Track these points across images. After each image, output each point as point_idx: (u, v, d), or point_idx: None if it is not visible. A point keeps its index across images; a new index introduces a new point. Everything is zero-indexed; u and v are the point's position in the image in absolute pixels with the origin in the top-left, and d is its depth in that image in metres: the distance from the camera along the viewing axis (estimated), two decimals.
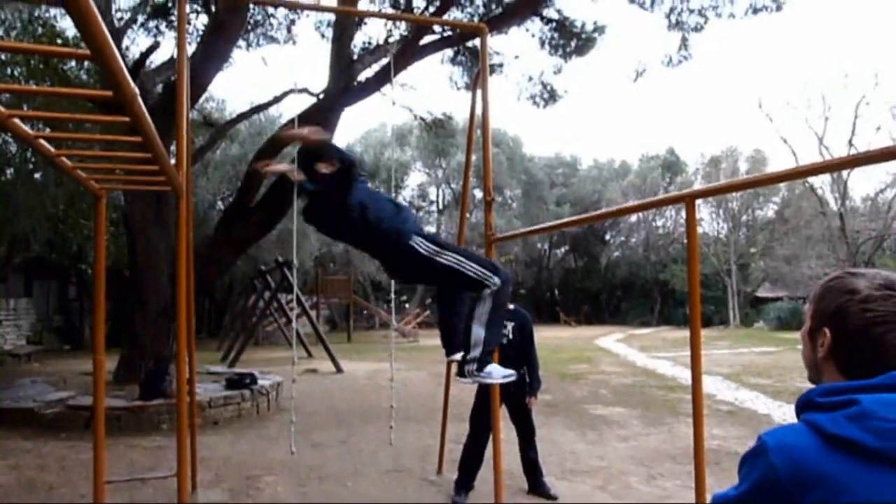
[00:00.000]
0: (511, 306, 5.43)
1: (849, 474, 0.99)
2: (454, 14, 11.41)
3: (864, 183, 64.59)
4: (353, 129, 56.60)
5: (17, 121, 2.48)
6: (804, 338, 1.23)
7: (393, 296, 6.67)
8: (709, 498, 3.14)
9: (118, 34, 10.82)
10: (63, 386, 9.67)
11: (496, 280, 3.51)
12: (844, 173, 29.32)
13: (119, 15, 11.73)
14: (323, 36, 13.05)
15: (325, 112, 10.25)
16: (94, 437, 4.01)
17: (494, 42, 12.07)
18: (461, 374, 3.65)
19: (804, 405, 1.12)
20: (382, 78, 10.30)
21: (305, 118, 9.73)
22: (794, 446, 1.04)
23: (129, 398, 8.24)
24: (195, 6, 11.29)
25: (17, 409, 8.14)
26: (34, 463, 6.41)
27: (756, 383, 11.91)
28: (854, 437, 1.00)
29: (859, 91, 33.68)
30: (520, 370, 5.29)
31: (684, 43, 12.40)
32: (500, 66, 12.98)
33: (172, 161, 3.94)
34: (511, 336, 5.29)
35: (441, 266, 3.51)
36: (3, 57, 10.22)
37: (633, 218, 41.04)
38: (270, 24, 13.16)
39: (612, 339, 25.74)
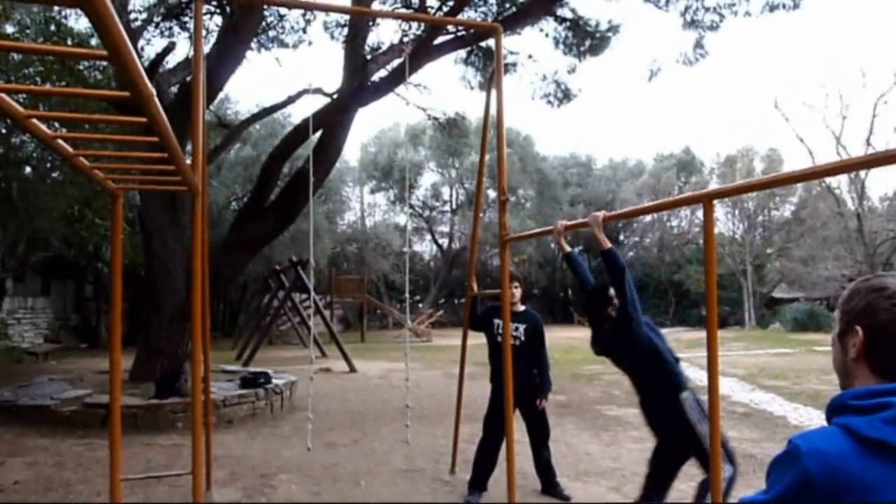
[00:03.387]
0: (522, 308, 5.42)
1: (885, 478, 0.98)
2: (468, 14, 11.39)
3: (882, 183, 64.02)
4: (367, 128, 56.72)
5: (35, 121, 2.50)
6: (834, 342, 1.21)
7: (407, 296, 6.67)
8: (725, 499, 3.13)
9: (134, 35, 10.89)
10: (80, 384, 9.75)
11: (730, 469, 3.48)
12: (862, 173, 29.02)
13: (135, 16, 11.82)
14: (333, 37, 13.10)
15: (339, 112, 10.28)
16: (110, 434, 4.04)
17: (508, 42, 12.04)
18: None
19: (837, 408, 1.10)
20: (396, 78, 10.30)
21: (319, 118, 9.77)
22: (828, 450, 1.02)
23: (144, 396, 8.30)
24: (210, 7, 11.36)
25: (34, 407, 8.21)
26: (52, 460, 6.47)
27: (772, 385, 11.80)
28: (891, 440, 0.99)
29: (877, 90, 33.36)
30: (531, 372, 5.28)
31: (700, 42, 12.31)
32: (514, 65, 12.95)
33: (188, 161, 3.96)
34: (522, 338, 5.25)
35: (694, 433, 3.57)
36: (20, 57, 10.30)
37: (647, 218, 40.81)
38: (282, 27, 13.22)
39: None
